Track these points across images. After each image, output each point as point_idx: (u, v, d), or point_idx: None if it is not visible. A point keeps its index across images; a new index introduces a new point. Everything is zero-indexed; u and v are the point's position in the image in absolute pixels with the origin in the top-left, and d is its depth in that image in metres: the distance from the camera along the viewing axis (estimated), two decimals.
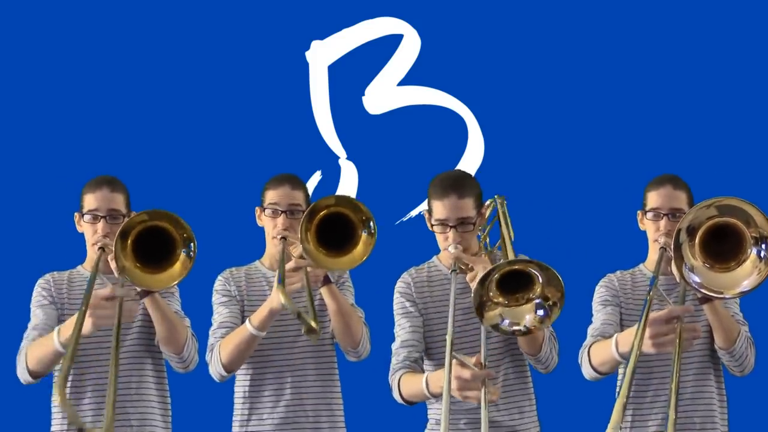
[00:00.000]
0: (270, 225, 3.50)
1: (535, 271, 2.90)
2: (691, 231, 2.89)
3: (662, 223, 3.38)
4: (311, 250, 3.24)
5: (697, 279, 2.90)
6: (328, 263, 3.28)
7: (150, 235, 3.22)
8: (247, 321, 3.33)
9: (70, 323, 3.15)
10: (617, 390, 3.44)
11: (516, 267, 2.91)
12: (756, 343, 3.34)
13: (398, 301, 3.45)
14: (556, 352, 3.34)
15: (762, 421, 4.44)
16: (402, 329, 3.41)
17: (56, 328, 3.22)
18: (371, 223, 3.26)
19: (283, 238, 3.42)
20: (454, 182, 3.34)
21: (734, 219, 2.87)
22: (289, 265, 3.27)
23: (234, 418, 3.53)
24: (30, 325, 3.40)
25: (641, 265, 3.52)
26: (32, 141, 4.79)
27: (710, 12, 4.79)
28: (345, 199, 3.31)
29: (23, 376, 3.31)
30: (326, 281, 3.37)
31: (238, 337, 3.34)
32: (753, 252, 2.87)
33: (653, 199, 3.42)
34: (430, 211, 3.39)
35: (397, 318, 3.45)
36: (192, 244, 3.24)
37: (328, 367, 3.51)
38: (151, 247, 3.23)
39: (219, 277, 3.56)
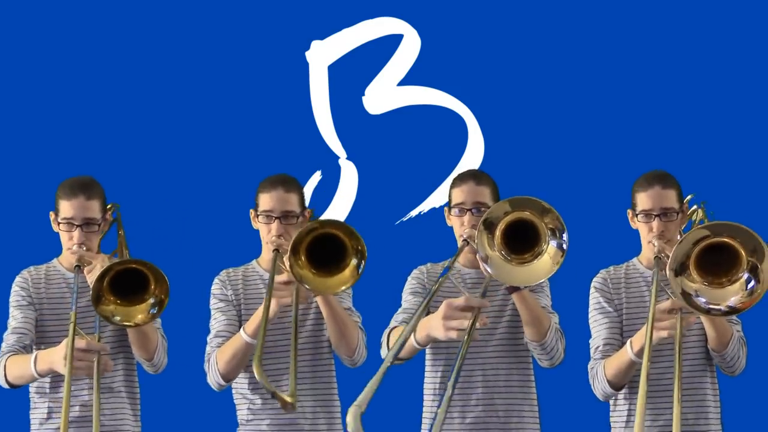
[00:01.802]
0: (264, 230, 3.47)
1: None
2: (682, 267, 2.89)
3: (654, 224, 3.38)
4: (304, 274, 3.19)
5: (703, 299, 2.91)
6: (317, 283, 3.20)
7: (124, 274, 3.22)
8: (241, 329, 3.32)
9: (45, 355, 3.22)
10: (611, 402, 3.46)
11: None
12: (748, 341, 3.35)
13: (409, 284, 3.49)
14: (563, 346, 3.36)
15: (755, 418, 4.44)
16: (407, 303, 3.44)
17: (33, 355, 3.27)
18: (363, 261, 3.18)
19: (276, 250, 3.36)
20: (474, 171, 3.59)
21: (736, 241, 2.85)
22: (281, 278, 3.23)
23: (239, 420, 3.51)
24: (9, 327, 3.44)
25: (634, 260, 3.52)
26: (15, 132, 4.80)
27: (706, 9, 4.79)
28: (345, 228, 3.21)
29: (2, 384, 3.38)
30: None
31: (234, 346, 3.33)
32: (744, 277, 2.87)
33: (642, 200, 3.41)
34: (449, 204, 3.47)
35: (404, 296, 3.48)
36: (157, 308, 3.24)
37: (326, 371, 3.49)
38: (126, 283, 3.23)
39: (216, 280, 3.53)
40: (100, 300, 3.19)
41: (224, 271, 3.55)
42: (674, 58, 4.79)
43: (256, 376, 2.90)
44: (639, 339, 3.14)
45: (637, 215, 3.42)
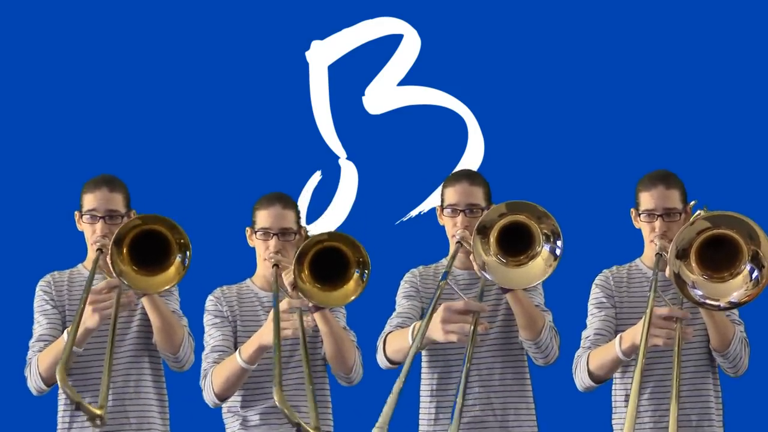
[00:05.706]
0: (262, 247, 3.43)
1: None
2: (683, 252, 2.88)
3: (657, 224, 3.37)
4: (305, 288, 3.15)
5: (699, 292, 2.90)
6: (321, 297, 3.18)
7: (146, 239, 3.23)
8: (237, 353, 3.28)
9: (75, 324, 3.17)
10: (612, 397, 3.44)
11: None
12: (751, 342, 3.34)
13: (402, 288, 3.47)
14: (557, 344, 3.34)
15: (758, 419, 4.44)
16: (401, 307, 3.42)
17: (63, 335, 3.25)
18: (366, 270, 3.16)
19: (276, 265, 3.33)
20: (467, 172, 3.58)
21: (733, 232, 2.85)
22: (282, 306, 3.17)
23: None
24: (35, 334, 3.42)
25: (637, 260, 3.51)
26: (35, 139, 4.80)
27: (707, 9, 4.80)
28: (347, 239, 3.18)
29: (36, 386, 3.35)
30: (318, 307, 3.26)
31: (229, 368, 3.29)
32: (746, 268, 2.86)
33: (646, 200, 3.40)
34: (442, 203, 3.46)
35: (398, 300, 3.46)
36: (188, 251, 3.24)
37: (319, 391, 3.44)
38: (147, 251, 3.23)
39: (210, 297, 3.49)
40: (120, 243, 3.20)
41: (219, 288, 3.51)
42: (675, 58, 4.79)
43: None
44: (629, 337, 3.11)
45: (640, 215, 3.41)
